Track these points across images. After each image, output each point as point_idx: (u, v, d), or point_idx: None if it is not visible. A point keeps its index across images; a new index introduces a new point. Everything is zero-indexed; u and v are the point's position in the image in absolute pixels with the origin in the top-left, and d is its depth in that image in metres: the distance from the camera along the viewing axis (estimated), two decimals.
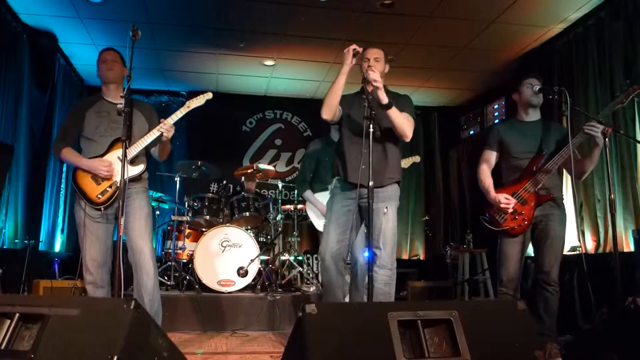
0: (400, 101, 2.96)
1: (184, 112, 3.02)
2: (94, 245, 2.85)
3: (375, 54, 2.97)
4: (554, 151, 2.97)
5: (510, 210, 2.95)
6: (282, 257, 5.00)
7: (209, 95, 3.13)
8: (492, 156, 3.16)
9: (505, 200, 2.95)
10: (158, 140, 2.99)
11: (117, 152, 2.87)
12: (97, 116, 2.96)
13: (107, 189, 2.85)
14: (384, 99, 2.75)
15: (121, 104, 2.61)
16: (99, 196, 2.84)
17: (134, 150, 2.91)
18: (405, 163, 4.63)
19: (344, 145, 3.00)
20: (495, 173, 3.17)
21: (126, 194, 2.83)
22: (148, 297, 2.83)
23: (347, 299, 3.98)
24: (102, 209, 2.84)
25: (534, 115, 3.12)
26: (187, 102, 3.05)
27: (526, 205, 2.95)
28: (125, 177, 2.45)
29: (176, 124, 3.04)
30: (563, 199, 3.10)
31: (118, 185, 2.79)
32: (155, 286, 2.90)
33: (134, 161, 2.94)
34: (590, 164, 2.97)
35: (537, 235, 3.01)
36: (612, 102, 2.90)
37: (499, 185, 3.09)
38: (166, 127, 2.91)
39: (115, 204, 2.84)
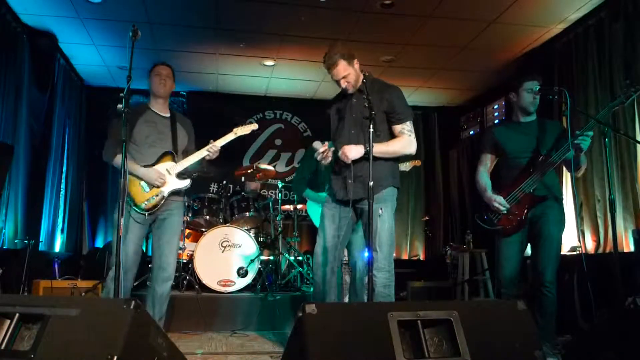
0: (393, 102, 2.82)
1: (230, 138, 3.24)
2: (132, 241, 3.00)
3: (341, 72, 2.78)
4: (550, 150, 2.97)
5: (503, 211, 2.98)
6: (282, 257, 5.00)
7: (255, 126, 3.36)
8: (487, 159, 3.19)
9: (499, 202, 2.98)
10: (202, 159, 3.20)
11: (166, 165, 3.13)
12: (146, 125, 3.15)
13: (153, 197, 3.06)
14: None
15: (166, 116, 3.06)
16: (145, 203, 3.04)
17: (181, 166, 3.14)
18: (407, 166, 4.62)
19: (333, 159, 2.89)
20: (495, 174, 3.18)
21: (168, 207, 3.13)
22: (159, 305, 3.09)
23: (346, 299, 3.98)
24: (147, 215, 3.04)
25: (530, 116, 3.11)
26: (234, 130, 3.26)
27: (520, 205, 2.96)
28: (124, 179, 2.51)
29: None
30: (562, 197, 3.09)
31: (164, 195, 3.08)
32: (168, 295, 3.15)
33: (180, 175, 3.16)
34: (581, 168, 2.98)
35: (533, 235, 3.00)
36: (611, 103, 2.88)
37: (497, 186, 3.09)
38: (214, 149, 3.13)
39: (158, 212, 3.09)
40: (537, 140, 3.02)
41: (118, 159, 3.01)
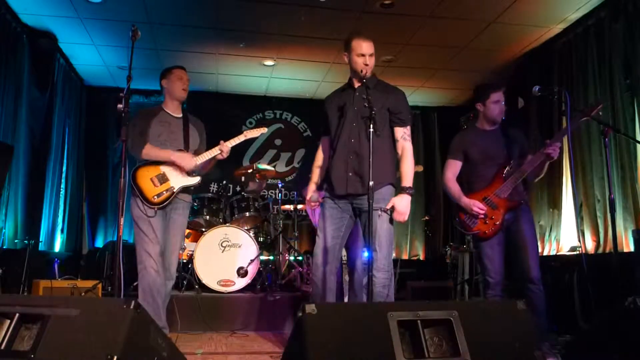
0: (399, 102, 2.84)
1: (241, 140, 3.35)
2: (155, 232, 3.10)
3: (372, 48, 2.79)
4: (519, 157, 3.08)
5: (482, 216, 3.04)
6: (282, 257, 5.00)
7: (264, 130, 3.50)
8: (456, 165, 3.23)
9: (478, 206, 3.03)
10: (211, 158, 3.27)
11: None
12: (159, 125, 3.24)
13: (164, 192, 3.13)
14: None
15: (179, 117, 3.22)
16: (155, 197, 3.12)
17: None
18: None
19: (332, 152, 2.90)
20: (460, 180, 3.25)
21: (176, 205, 3.21)
22: (160, 301, 3.13)
23: (346, 299, 3.98)
24: (156, 209, 3.11)
25: (495, 125, 3.19)
26: (245, 132, 3.38)
27: (496, 210, 3.03)
28: (123, 179, 2.54)
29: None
30: (528, 201, 3.21)
31: (174, 190, 3.15)
32: (169, 294, 3.29)
33: (190, 172, 3.22)
34: (540, 175, 3.13)
35: (511, 236, 3.07)
36: (577, 116, 2.94)
37: (467, 191, 3.15)
38: (226, 149, 3.23)
39: (169, 206, 3.17)
40: (505, 148, 3.11)
41: (148, 150, 3.13)
